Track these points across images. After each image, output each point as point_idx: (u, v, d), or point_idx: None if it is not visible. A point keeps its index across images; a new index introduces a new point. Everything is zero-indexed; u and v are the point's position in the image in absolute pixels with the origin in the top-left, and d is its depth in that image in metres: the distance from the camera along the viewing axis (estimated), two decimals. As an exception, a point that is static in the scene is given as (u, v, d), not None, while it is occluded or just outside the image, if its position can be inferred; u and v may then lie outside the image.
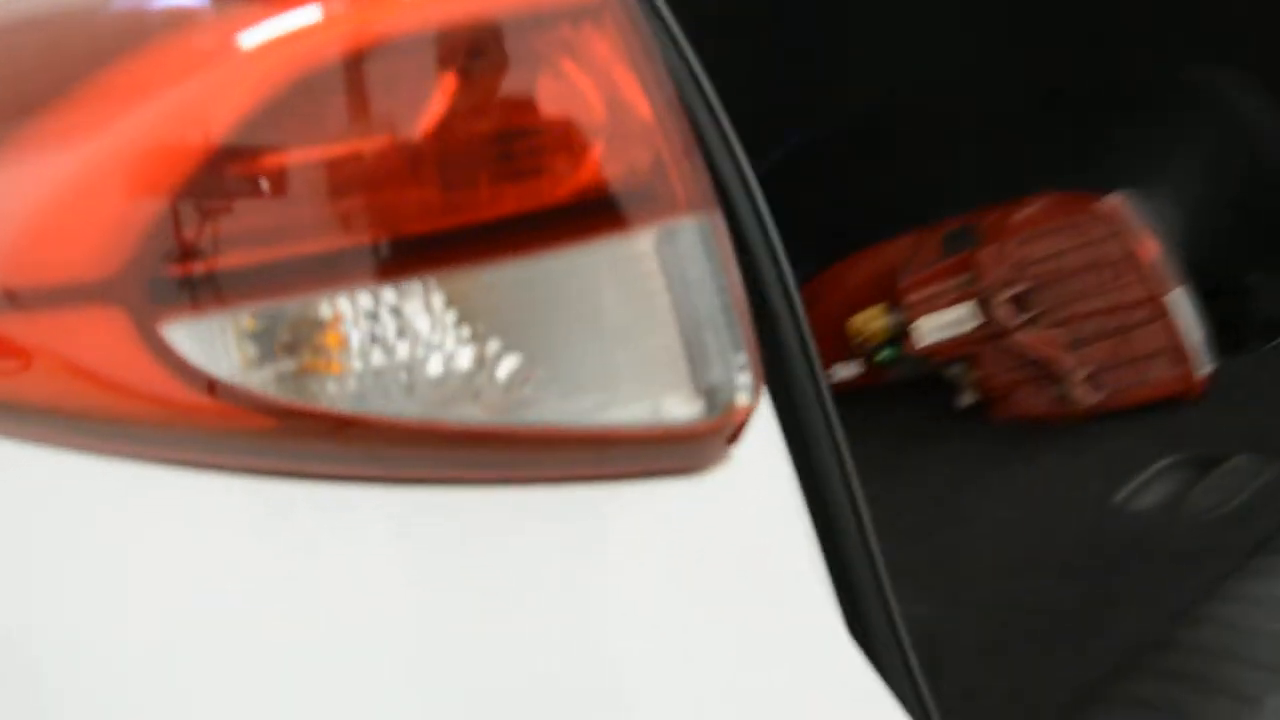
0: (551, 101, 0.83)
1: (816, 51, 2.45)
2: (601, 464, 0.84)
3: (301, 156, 0.82)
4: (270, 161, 0.82)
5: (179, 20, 0.88)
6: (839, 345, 2.24)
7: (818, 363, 0.96)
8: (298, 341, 0.83)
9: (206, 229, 0.82)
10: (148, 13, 0.91)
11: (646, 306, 0.85)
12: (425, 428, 0.83)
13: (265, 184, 0.82)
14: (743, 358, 0.86)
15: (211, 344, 0.82)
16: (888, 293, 2.16)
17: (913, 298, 2.11)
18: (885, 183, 2.47)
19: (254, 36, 0.84)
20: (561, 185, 0.83)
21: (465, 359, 0.84)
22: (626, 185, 0.84)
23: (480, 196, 0.83)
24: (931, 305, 2.09)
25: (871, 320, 2.17)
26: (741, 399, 0.85)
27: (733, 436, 0.86)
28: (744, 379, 0.86)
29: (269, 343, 0.83)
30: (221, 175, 0.81)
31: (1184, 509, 1.69)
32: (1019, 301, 2.05)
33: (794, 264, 2.42)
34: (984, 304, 2.04)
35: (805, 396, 0.95)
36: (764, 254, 0.95)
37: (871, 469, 1.99)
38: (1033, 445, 1.96)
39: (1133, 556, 1.61)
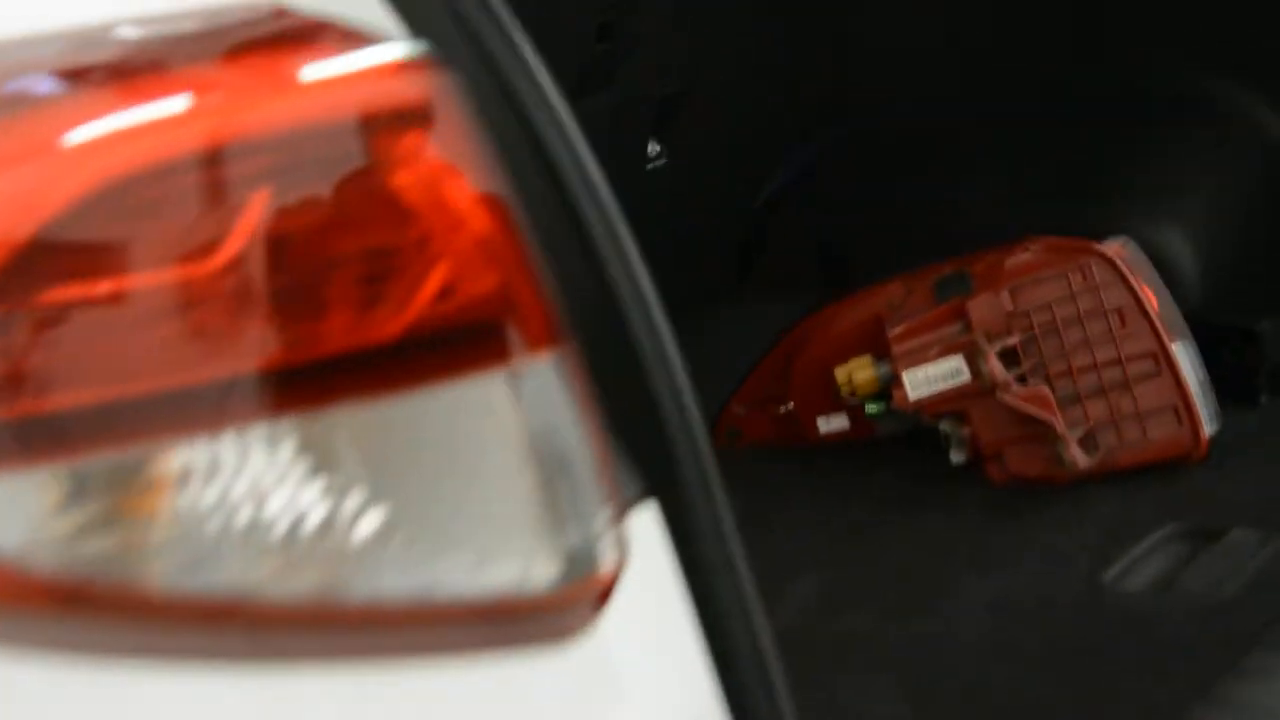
0: (385, 222, 0.72)
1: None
2: (451, 637, 0.74)
3: (116, 278, 0.72)
4: (76, 282, 0.71)
5: (7, 108, 0.77)
6: (825, 395, 2.12)
7: (721, 497, 0.85)
8: (113, 505, 0.71)
9: None
10: None
11: (500, 458, 0.75)
12: (265, 608, 0.72)
13: (69, 310, 0.71)
14: (604, 515, 0.75)
15: (2, 509, 0.70)
16: (876, 341, 2.04)
17: (901, 347, 1.99)
18: (883, 215, 2.36)
19: (72, 134, 0.73)
20: (397, 318, 0.72)
21: (316, 517, 0.73)
22: (468, 318, 0.73)
23: (319, 328, 0.72)
24: (921, 356, 1.97)
25: (858, 370, 2.05)
26: (605, 561, 0.75)
27: (600, 600, 0.75)
28: (606, 539, 0.75)
29: (77, 508, 0.71)
30: (10, 298, 0.70)
31: (1178, 590, 1.57)
32: (1012, 354, 1.93)
33: (795, 299, 2.31)
34: (974, 356, 1.92)
35: (704, 538, 0.83)
36: (657, 365, 0.84)
37: (851, 535, 1.90)
38: (1024, 511, 1.85)
39: (1122, 645, 1.49)
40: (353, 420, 0.74)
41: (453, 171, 0.74)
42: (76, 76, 0.78)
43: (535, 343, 0.75)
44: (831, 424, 2.15)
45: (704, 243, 2.41)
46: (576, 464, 0.76)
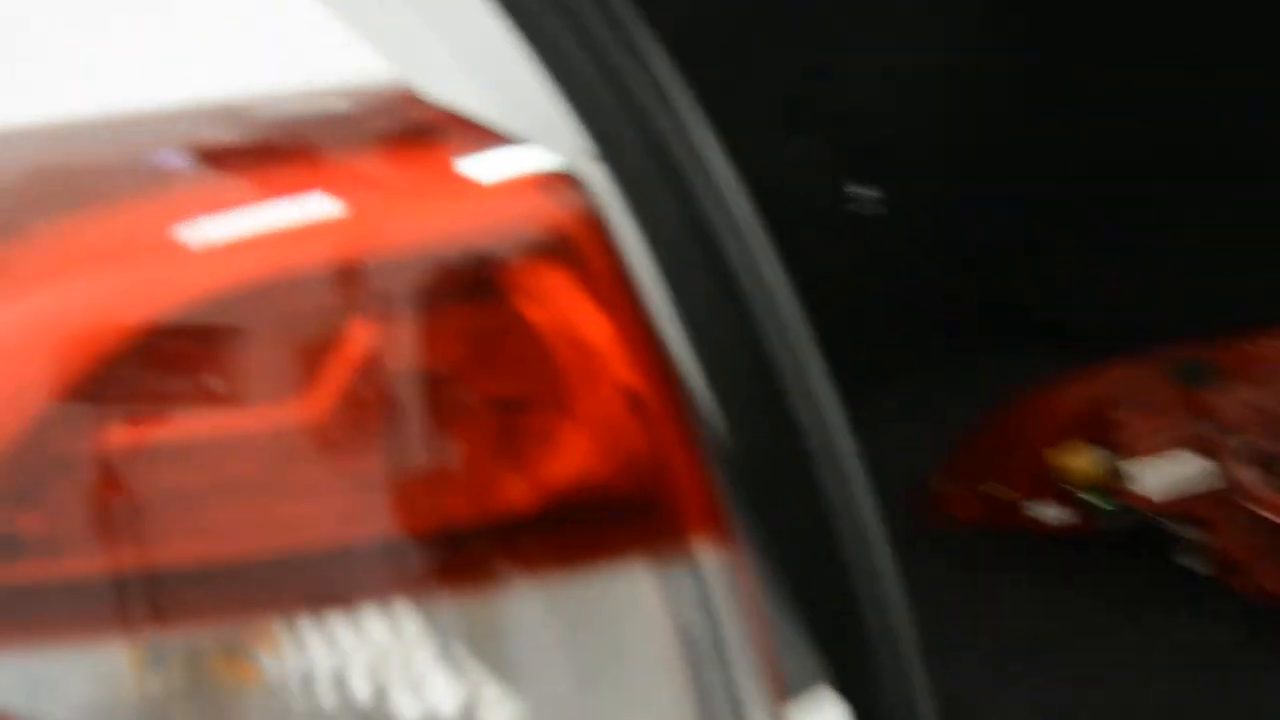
0: (514, 369, 0.59)
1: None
2: None
3: (221, 406, 0.59)
4: (171, 403, 0.59)
5: (140, 186, 0.65)
6: (1041, 480, 1.95)
7: (924, 701, 0.69)
8: (198, 688, 0.59)
9: (50, 509, 0.58)
10: (124, 168, 0.68)
11: (646, 660, 0.62)
12: None
13: (164, 440, 0.59)
14: None
15: (62, 685, 0.58)
16: (1101, 427, 1.87)
17: (1129, 437, 1.82)
18: (1115, 280, 2.16)
19: (201, 227, 0.61)
20: (526, 486, 0.59)
21: (448, 715, 0.60)
22: (609, 492, 0.61)
23: (437, 491, 0.59)
24: (1152, 449, 1.80)
25: (1079, 457, 1.88)
26: None
27: None
28: None
29: (155, 689, 0.59)
30: (98, 404, 0.58)
31: None
32: (1263, 457, 1.73)
33: (1014, 365, 2.15)
34: (1218, 456, 1.74)
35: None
36: (855, 547, 0.69)
37: (1067, 647, 1.71)
38: (1277, 638, 1.63)
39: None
40: (478, 603, 0.62)
41: (596, 311, 0.61)
42: (214, 158, 0.67)
43: (690, 524, 0.62)
44: (1046, 512, 1.97)
45: (916, 296, 2.29)
46: (738, 673, 0.63)
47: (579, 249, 0.61)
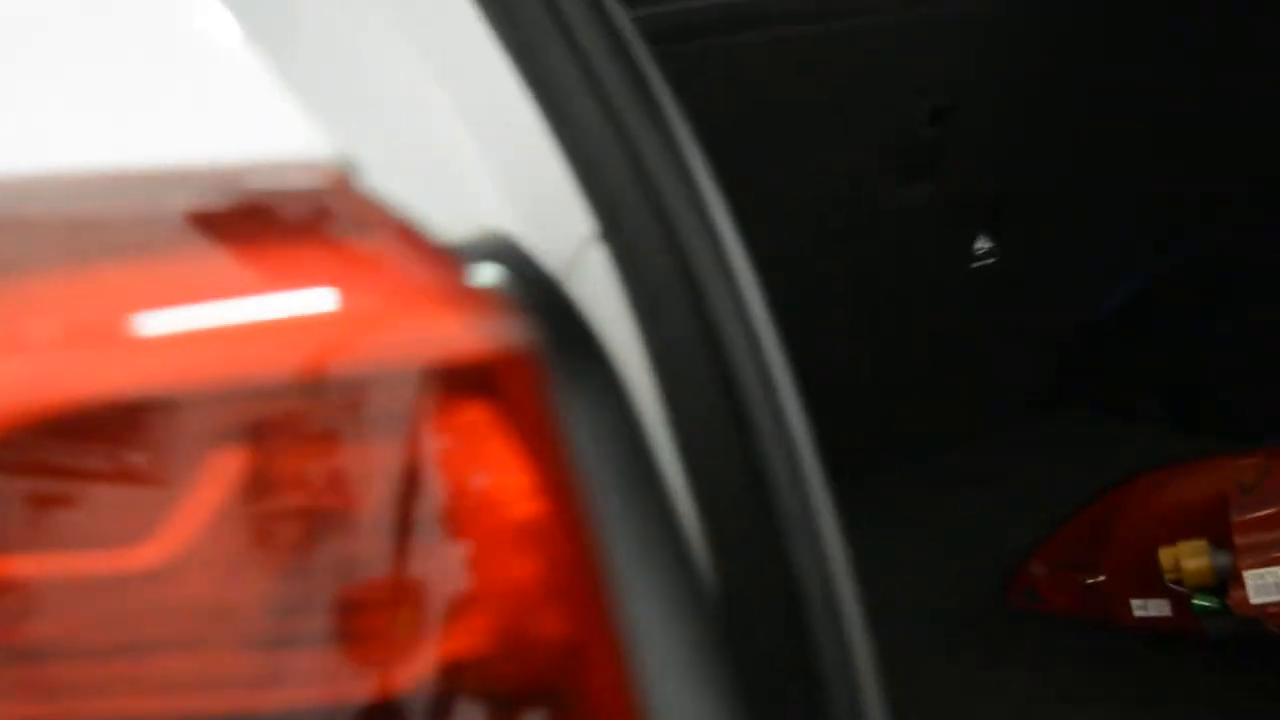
0: (406, 526, 0.49)
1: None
2: None
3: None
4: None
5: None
6: (1146, 575, 1.83)
7: None
8: None
9: None
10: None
11: None
12: None
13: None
14: None
15: None
16: (1216, 524, 1.74)
17: (1248, 539, 1.69)
18: (1248, 358, 2.04)
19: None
20: (402, 668, 0.48)
21: None
22: (506, 683, 0.51)
23: (288, 663, 0.49)
24: (1272, 555, 1.67)
25: (1190, 556, 1.76)
26: None
27: None
28: None
29: None
30: None
31: None
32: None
33: (1125, 440, 2.03)
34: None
35: None
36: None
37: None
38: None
39: None
40: None
41: (519, 466, 0.51)
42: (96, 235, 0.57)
43: None
44: (1149, 609, 1.86)
45: (1026, 356, 2.18)
46: None
47: (503, 386, 0.51)
